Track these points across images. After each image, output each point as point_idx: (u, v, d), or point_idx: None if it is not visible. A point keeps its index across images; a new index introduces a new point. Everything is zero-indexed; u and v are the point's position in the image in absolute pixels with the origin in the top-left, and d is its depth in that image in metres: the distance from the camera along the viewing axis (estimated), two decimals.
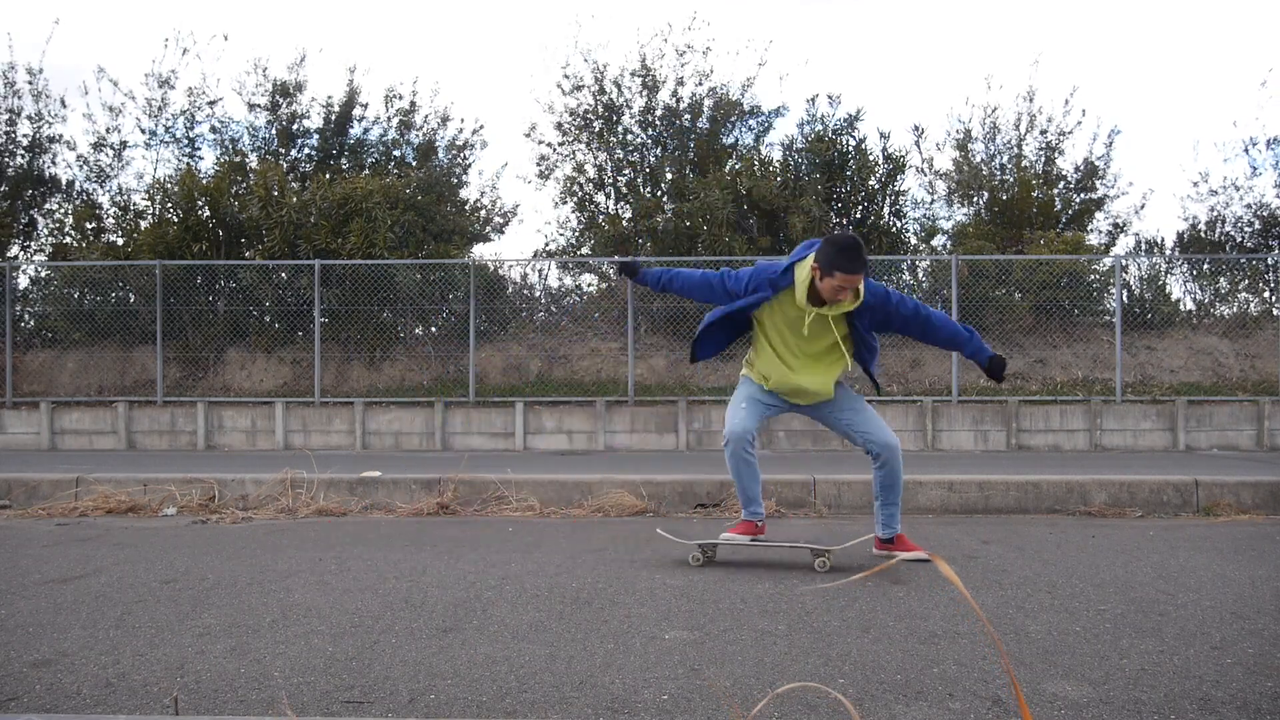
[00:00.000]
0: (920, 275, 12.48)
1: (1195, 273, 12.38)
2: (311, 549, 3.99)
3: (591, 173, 13.91)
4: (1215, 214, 13.52)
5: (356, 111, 14.19)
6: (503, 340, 11.92)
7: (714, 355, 3.83)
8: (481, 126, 18.22)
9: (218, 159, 13.77)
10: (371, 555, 3.81)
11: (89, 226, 13.32)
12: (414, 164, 13.93)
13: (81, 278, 12.17)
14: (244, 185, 12.85)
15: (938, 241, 13.59)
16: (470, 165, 14.62)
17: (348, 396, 11.27)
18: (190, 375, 11.82)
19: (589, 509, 5.19)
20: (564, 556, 3.77)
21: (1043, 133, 13.64)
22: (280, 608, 2.86)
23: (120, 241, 12.92)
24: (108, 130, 13.80)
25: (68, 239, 13.44)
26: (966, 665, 2.24)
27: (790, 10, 42.88)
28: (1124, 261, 11.79)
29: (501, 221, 14.40)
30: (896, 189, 13.19)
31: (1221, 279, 12.40)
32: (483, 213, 14.30)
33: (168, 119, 13.87)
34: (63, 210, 13.84)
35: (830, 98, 13.43)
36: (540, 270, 13.00)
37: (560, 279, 13.09)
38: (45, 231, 13.93)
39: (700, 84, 13.74)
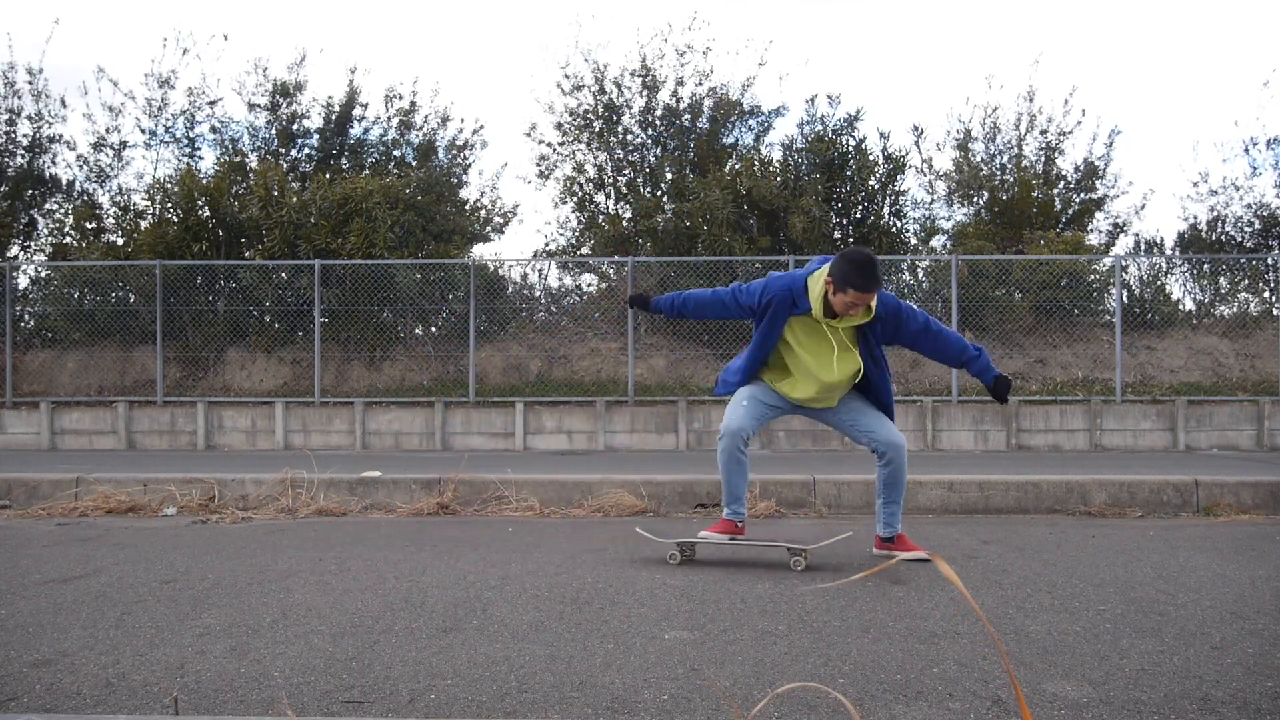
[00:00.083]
0: (920, 275, 12.48)
1: (1195, 273, 12.38)
2: (311, 549, 3.99)
3: (591, 173, 13.92)
4: (1215, 214, 13.53)
5: (356, 111, 14.20)
6: (503, 340, 11.92)
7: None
8: (481, 126, 18.25)
9: (218, 159, 13.78)
10: (371, 555, 3.81)
11: (89, 226, 13.33)
12: (414, 164, 13.93)
13: (81, 278, 12.17)
14: (244, 185, 12.85)
15: (938, 241, 13.59)
16: (470, 165, 14.64)
17: (348, 396, 11.27)
18: (190, 375, 11.82)
19: (589, 509, 5.19)
20: (564, 556, 3.77)
21: (1043, 133, 13.65)
22: (280, 608, 2.86)
23: (120, 241, 12.93)
24: (108, 130, 13.82)
25: (68, 239, 13.45)
26: (966, 665, 2.24)
27: (790, 10, 42.89)
28: (1124, 261, 11.79)
29: (501, 221, 14.40)
30: (896, 189, 13.19)
31: (1221, 279, 12.41)
32: (483, 213, 14.30)
33: (168, 119, 13.89)
34: (63, 210, 13.85)
35: (830, 98, 13.45)
36: (540, 270, 13.02)
37: (560, 279, 13.11)
38: (45, 231, 13.95)
39: (700, 84, 13.76)
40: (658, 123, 13.75)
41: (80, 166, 13.91)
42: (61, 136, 13.88)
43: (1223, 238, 13.39)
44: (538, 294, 12.77)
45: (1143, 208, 20.36)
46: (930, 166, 14.07)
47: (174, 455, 9.87)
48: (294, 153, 14.16)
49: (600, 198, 14.03)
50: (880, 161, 13.00)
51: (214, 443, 11.02)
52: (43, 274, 12.67)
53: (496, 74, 31.85)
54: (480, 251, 13.98)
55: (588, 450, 10.43)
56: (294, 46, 26.70)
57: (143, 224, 12.75)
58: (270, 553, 3.90)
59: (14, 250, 13.71)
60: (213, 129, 14.09)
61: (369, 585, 3.19)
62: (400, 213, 11.83)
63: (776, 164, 13.09)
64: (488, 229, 14.25)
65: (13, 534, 4.55)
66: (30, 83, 13.50)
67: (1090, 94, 34.62)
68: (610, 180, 13.94)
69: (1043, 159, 13.65)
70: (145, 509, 5.29)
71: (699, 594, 3.06)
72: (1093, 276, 11.98)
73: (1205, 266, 12.38)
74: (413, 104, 14.32)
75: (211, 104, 13.93)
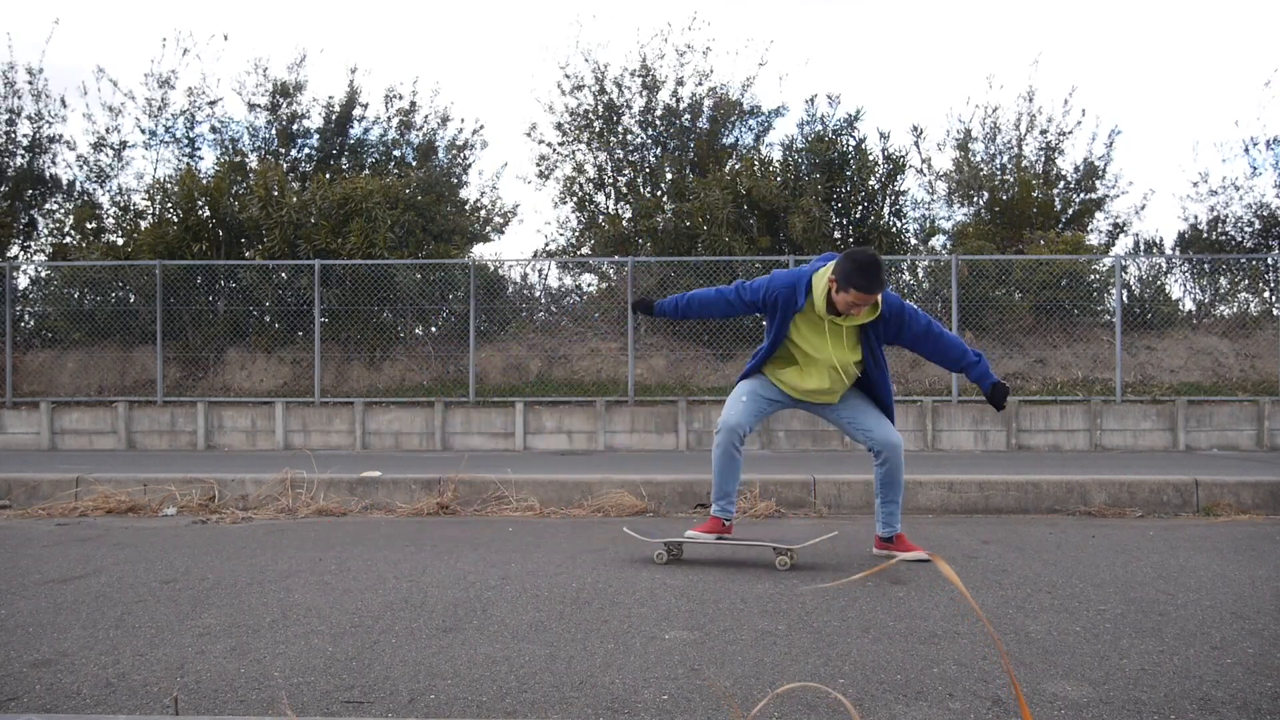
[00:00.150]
0: (920, 275, 12.48)
1: (1195, 273, 12.38)
2: (311, 549, 3.99)
3: (591, 173, 13.92)
4: (1215, 214, 13.53)
5: (356, 111, 14.21)
6: (503, 340, 11.92)
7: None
8: (481, 126, 18.25)
9: (218, 159, 13.78)
10: (371, 555, 3.81)
11: (89, 226, 13.34)
12: (414, 164, 13.94)
13: (81, 278, 12.17)
14: (244, 185, 12.86)
15: (938, 241, 13.60)
16: (470, 165, 14.66)
17: (348, 396, 11.27)
18: (190, 375, 11.82)
19: (589, 509, 5.19)
20: (564, 556, 3.77)
21: (1043, 133, 13.65)
22: (280, 608, 2.86)
23: (120, 241, 12.93)
24: (108, 130, 13.83)
25: (68, 239, 13.45)
26: (966, 665, 2.24)
27: (790, 10, 42.88)
28: (1124, 261, 11.79)
29: (501, 221, 14.42)
30: (896, 189, 13.20)
31: (1221, 279, 12.41)
32: (483, 213, 14.31)
33: (168, 119, 13.90)
34: (63, 210, 13.85)
35: (830, 98, 13.46)
36: (540, 270, 13.02)
37: (560, 279, 13.11)
38: (45, 231, 13.96)
39: (700, 84, 13.77)
40: (658, 123, 13.75)
41: (80, 166, 13.94)
42: (61, 136, 13.91)
43: (1223, 238, 13.39)
44: (538, 294, 12.78)
45: (1143, 208, 20.39)
46: (930, 166, 14.09)
47: (174, 455, 9.87)
48: (294, 153, 14.17)
49: (600, 198, 14.04)
50: (880, 161, 13.01)
51: (214, 443, 11.02)
52: (43, 274, 12.67)
53: (496, 74, 31.87)
54: (480, 251, 14.01)
55: (588, 450, 10.43)
56: (294, 46, 26.71)
57: (143, 224, 12.76)
58: (270, 553, 3.89)
59: (14, 250, 13.71)
60: (213, 129, 14.12)
61: (369, 585, 3.19)
62: (400, 213, 11.83)
63: (776, 164, 13.09)
64: (488, 229, 14.27)
65: (13, 534, 4.55)
66: (30, 83, 13.53)
67: (1090, 94, 34.65)
68: (610, 180, 13.95)
69: (1043, 159, 13.65)
70: (145, 509, 5.29)
71: (699, 594, 3.06)
72: (1093, 276, 11.98)
73: (1205, 266, 12.38)
74: (413, 104, 14.33)
75: (211, 104, 13.95)
